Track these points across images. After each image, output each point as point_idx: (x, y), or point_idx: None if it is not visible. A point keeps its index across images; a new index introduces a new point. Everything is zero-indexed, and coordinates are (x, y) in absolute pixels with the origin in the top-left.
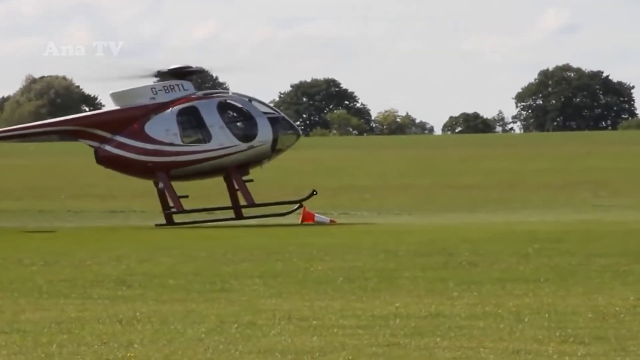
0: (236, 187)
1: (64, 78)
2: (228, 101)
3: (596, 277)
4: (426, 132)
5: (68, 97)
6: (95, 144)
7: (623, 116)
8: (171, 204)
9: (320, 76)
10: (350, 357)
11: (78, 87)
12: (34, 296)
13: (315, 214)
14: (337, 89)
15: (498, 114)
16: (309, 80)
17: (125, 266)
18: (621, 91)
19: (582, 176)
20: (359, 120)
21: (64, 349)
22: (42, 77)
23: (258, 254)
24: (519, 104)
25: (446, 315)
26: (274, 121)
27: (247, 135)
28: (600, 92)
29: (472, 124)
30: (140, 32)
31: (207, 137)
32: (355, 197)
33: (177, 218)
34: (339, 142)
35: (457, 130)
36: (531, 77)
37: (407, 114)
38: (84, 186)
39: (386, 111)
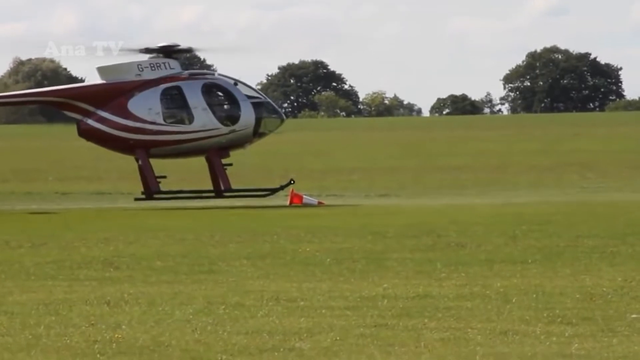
0: (215, 170)
1: (51, 60)
2: (213, 82)
3: (584, 258)
4: (414, 113)
5: (55, 79)
6: (78, 116)
7: (611, 98)
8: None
9: (308, 58)
10: (338, 338)
11: (65, 69)
12: (21, 278)
13: (304, 196)
14: (324, 71)
15: (486, 96)
16: (296, 62)
17: (113, 248)
18: (609, 73)
19: (569, 158)
20: (346, 102)
21: (52, 330)
22: (30, 60)
23: (245, 236)
24: (506, 86)
25: (434, 297)
26: (257, 105)
27: (230, 118)
28: (588, 74)
29: (460, 106)
30: (127, 14)
31: (189, 118)
32: (343, 179)
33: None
34: (326, 124)
35: (445, 112)
36: (519, 59)
37: (395, 95)
38: (71, 168)
39: (374, 93)
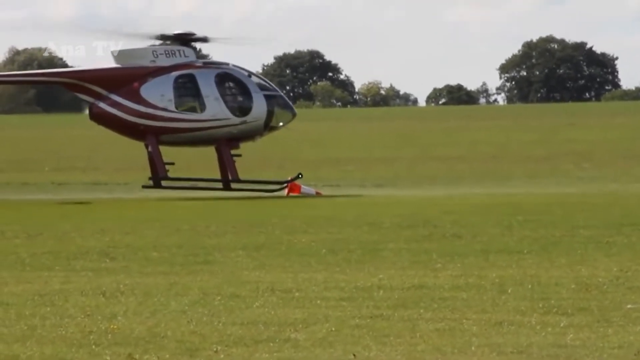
0: (223, 160)
1: (47, 50)
2: (226, 73)
3: (579, 249)
4: (410, 104)
5: (51, 68)
6: (91, 99)
7: (607, 88)
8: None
9: (304, 48)
10: (333, 329)
11: (61, 59)
12: (17, 269)
13: (302, 186)
14: (320, 61)
15: (482, 86)
16: (292, 52)
17: (109, 239)
18: (605, 62)
19: (565, 148)
20: (342, 92)
21: (47, 321)
22: (25, 49)
23: (241, 227)
24: (502, 76)
25: (429, 287)
26: (269, 98)
27: (241, 109)
28: (584, 64)
29: (456, 96)
30: (124, 3)
31: (201, 107)
32: (339, 170)
33: (165, 183)
34: (322, 114)
35: (440, 102)
36: (515, 48)
37: (390, 85)
38: (67, 158)
39: (370, 83)
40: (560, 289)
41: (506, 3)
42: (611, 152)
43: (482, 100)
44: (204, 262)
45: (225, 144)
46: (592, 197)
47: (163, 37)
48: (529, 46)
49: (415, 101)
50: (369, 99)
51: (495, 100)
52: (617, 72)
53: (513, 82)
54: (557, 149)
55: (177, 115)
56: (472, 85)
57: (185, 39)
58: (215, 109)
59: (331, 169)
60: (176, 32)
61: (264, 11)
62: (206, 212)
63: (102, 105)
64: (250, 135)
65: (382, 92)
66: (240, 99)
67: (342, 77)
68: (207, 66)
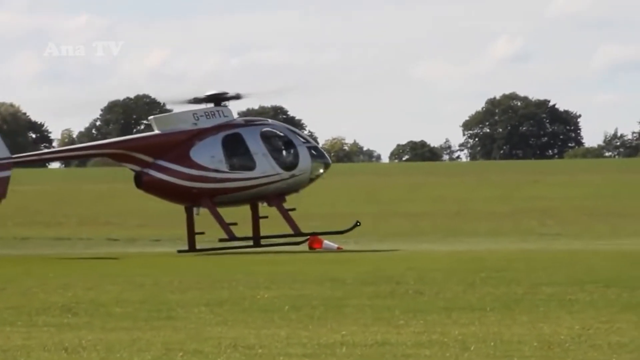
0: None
1: (11, 105)
2: (270, 129)
3: (542, 306)
4: (373, 160)
5: (15, 123)
6: (137, 167)
7: (569, 145)
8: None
9: (268, 103)
10: None
11: (24, 113)
12: None
13: (324, 241)
14: (284, 117)
15: (445, 142)
16: (256, 107)
17: (72, 294)
18: (568, 120)
19: (528, 204)
20: None
21: None
22: None
23: (204, 282)
24: (465, 133)
25: (392, 344)
26: (310, 150)
27: (290, 163)
28: (547, 121)
29: (420, 152)
30: (88, 60)
31: (251, 165)
32: (303, 225)
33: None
34: None
35: (404, 159)
36: (478, 105)
37: (354, 141)
38: (31, 213)
39: (334, 139)
40: (523, 347)
41: (470, 60)
42: (574, 209)
43: (445, 157)
44: (167, 317)
45: (276, 199)
46: (555, 254)
47: (197, 100)
48: (492, 103)
49: (378, 157)
50: (332, 154)
51: (458, 156)
52: (580, 129)
53: (476, 139)
54: (520, 206)
55: (230, 175)
56: (435, 141)
57: (217, 99)
58: (265, 165)
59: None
60: (208, 93)
61: (229, 67)
62: (169, 268)
63: (151, 172)
64: (297, 188)
65: (346, 147)
66: (286, 153)
67: (306, 132)
68: (250, 123)
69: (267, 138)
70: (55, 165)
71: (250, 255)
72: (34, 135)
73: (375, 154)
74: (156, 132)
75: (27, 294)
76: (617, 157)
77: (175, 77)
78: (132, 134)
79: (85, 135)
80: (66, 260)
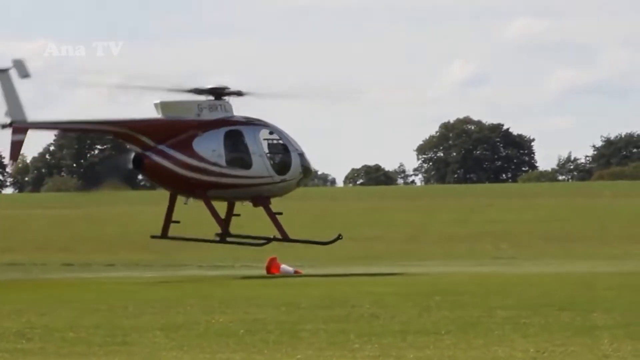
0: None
1: None
2: (270, 132)
3: (497, 329)
4: (328, 184)
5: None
6: (137, 149)
7: (523, 169)
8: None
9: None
10: None
11: None
12: None
13: (282, 265)
14: None
15: (399, 166)
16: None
17: (26, 319)
18: (521, 144)
19: (483, 228)
20: None
21: None
22: None
23: (159, 307)
24: (420, 157)
25: None
26: (301, 157)
27: (283, 168)
28: (501, 145)
29: (374, 176)
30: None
31: (248, 164)
32: (257, 249)
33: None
34: None
35: (358, 182)
36: (432, 129)
37: None
38: None
39: None
40: None
41: (423, 84)
42: (528, 233)
43: (400, 181)
44: (121, 342)
45: (262, 200)
46: (509, 278)
47: (198, 91)
48: (446, 127)
49: (333, 181)
50: None
51: (413, 181)
52: (534, 153)
53: (430, 163)
54: (475, 230)
55: (227, 171)
56: (389, 166)
57: (219, 93)
58: (260, 166)
59: (250, 248)
60: (209, 85)
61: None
62: (123, 293)
63: (154, 157)
64: (284, 192)
65: None
66: (281, 157)
67: None
68: (250, 122)
69: (266, 140)
70: (8, 190)
71: (202, 280)
72: None
73: (329, 178)
74: (160, 116)
75: None
76: (570, 180)
77: (128, 101)
78: (85, 159)
79: (39, 160)
80: (19, 286)
